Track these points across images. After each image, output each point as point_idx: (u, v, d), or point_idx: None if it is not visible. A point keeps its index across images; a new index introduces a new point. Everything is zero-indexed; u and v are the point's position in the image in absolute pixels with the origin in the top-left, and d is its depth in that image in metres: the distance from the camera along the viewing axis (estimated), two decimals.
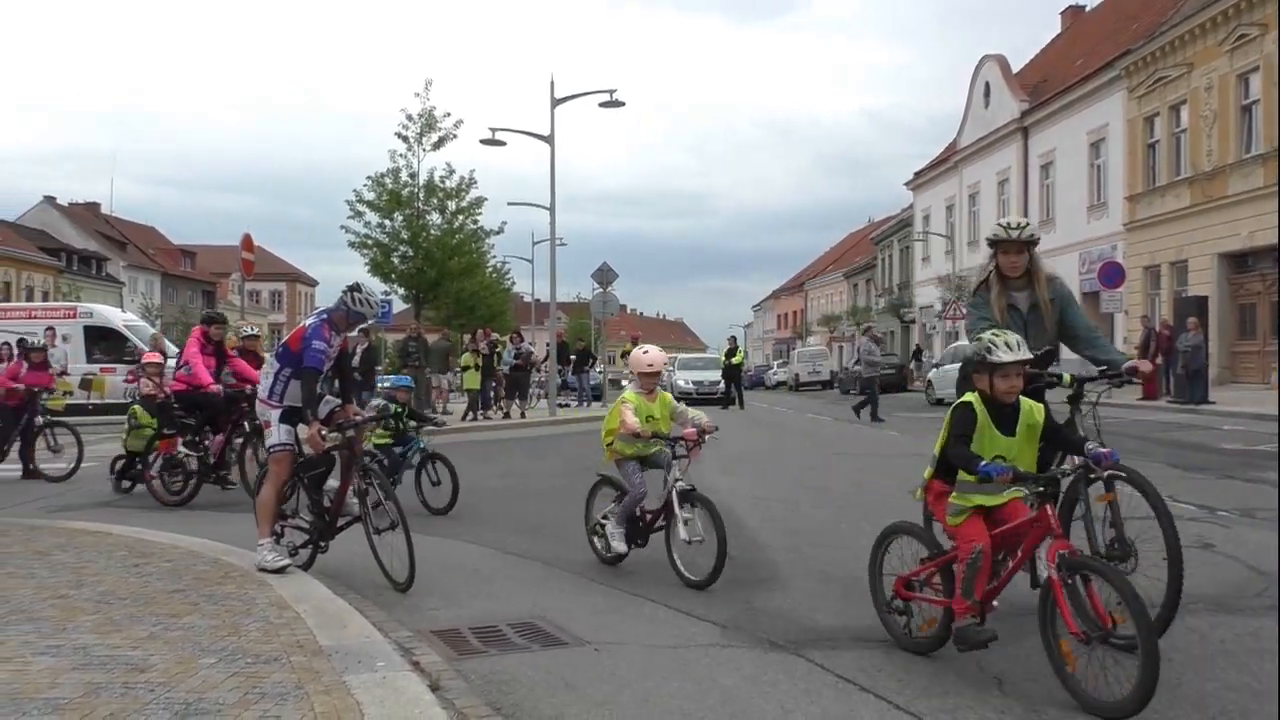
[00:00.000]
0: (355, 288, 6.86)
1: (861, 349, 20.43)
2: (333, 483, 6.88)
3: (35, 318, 25.05)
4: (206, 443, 11.09)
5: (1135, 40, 32.07)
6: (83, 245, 63.77)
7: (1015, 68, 43.74)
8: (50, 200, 67.31)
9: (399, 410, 10.14)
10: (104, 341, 24.22)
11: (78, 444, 13.53)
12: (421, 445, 10.17)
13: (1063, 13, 46.23)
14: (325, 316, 6.88)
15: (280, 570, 6.47)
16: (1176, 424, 17.60)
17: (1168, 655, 4.16)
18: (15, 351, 23.36)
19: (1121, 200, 32.52)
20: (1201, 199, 28.19)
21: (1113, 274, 25.72)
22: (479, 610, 5.90)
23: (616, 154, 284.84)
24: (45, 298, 51.28)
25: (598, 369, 30.80)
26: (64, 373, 23.51)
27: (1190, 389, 20.99)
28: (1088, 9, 44.19)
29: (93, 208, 70.78)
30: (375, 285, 26.19)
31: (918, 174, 53.32)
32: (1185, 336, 21.51)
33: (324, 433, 6.61)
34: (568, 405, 27.64)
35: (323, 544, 6.83)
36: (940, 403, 26.96)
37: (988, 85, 43.77)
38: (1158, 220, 30.36)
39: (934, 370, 29.47)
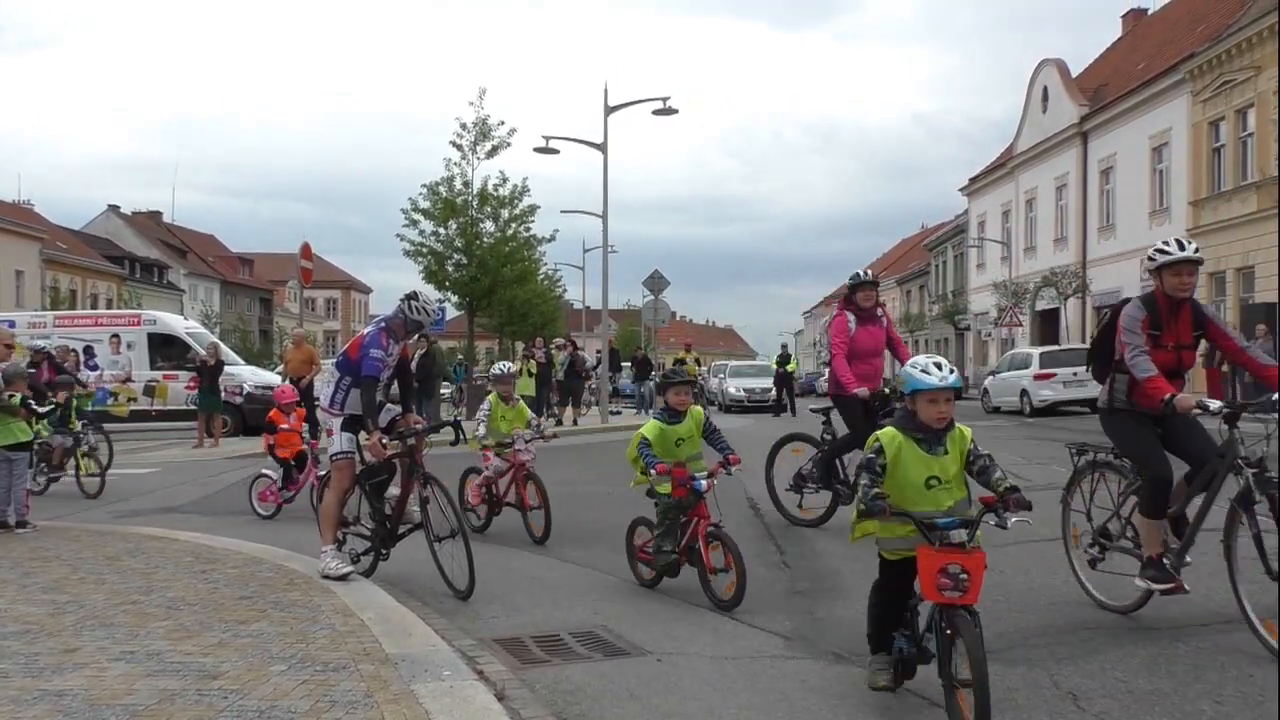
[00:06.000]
0: (413, 296, 6.95)
1: None
2: (394, 490, 6.94)
3: (101, 325, 25.51)
4: None
5: (1200, 43, 31.39)
6: (145, 253, 65.13)
7: (1074, 72, 43.03)
8: (114, 209, 68.91)
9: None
10: (166, 348, 24.58)
11: None
12: None
13: (1124, 16, 45.43)
14: (383, 325, 6.96)
15: (343, 577, 6.53)
16: (1245, 434, 17.07)
17: None
18: (82, 359, 24.04)
19: (1185, 205, 31.84)
20: (1269, 204, 27.45)
21: None
22: (540, 619, 5.91)
23: (667, 161, 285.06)
24: (109, 305, 52.46)
25: (656, 376, 30.80)
26: (129, 379, 24.11)
27: (1259, 397, 20.52)
28: (1150, 13, 43.36)
29: (155, 216, 72.36)
30: (430, 293, 26.51)
31: (973, 179, 52.59)
32: (1253, 344, 21.00)
33: (385, 441, 6.66)
34: (619, 412, 27.65)
35: (384, 551, 6.89)
36: (997, 410, 26.60)
37: (1046, 90, 43.10)
38: (1223, 226, 29.64)
39: (990, 378, 29.07)
